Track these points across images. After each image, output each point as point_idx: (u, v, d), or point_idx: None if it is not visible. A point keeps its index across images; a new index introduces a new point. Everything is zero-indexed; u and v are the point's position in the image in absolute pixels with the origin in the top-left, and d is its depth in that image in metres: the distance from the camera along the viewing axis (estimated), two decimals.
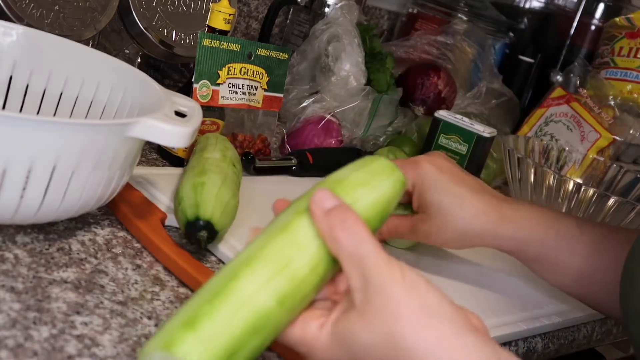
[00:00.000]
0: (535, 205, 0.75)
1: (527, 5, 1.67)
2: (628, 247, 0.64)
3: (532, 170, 1.05)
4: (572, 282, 0.73)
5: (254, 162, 0.89)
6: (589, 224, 0.73)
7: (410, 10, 1.56)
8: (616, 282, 0.64)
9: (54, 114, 0.73)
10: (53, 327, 0.51)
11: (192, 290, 0.62)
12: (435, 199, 0.71)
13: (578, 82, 1.36)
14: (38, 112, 0.73)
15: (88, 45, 0.90)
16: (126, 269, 0.62)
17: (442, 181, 0.71)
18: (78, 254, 0.61)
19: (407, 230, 0.74)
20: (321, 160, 0.97)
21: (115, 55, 0.75)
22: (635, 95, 1.38)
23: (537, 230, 0.71)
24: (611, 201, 1.01)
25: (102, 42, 0.99)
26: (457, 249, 0.81)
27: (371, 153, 1.07)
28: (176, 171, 0.84)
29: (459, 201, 0.71)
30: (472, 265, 0.85)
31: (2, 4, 0.83)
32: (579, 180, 1.11)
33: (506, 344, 0.73)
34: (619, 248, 0.70)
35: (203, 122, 0.86)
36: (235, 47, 0.87)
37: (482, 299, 0.77)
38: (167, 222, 0.71)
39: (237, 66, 0.88)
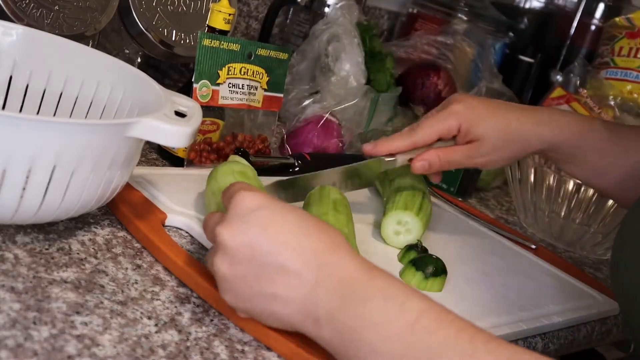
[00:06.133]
0: (563, 110, 0.88)
1: (527, 5, 1.67)
2: None
3: (532, 170, 1.05)
4: (595, 177, 0.86)
5: (247, 157, 0.88)
6: (614, 126, 0.86)
7: (410, 10, 1.56)
8: (632, 178, 0.83)
9: (54, 114, 0.73)
10: (53, 327, 0.51)
11: (192, 290, 0.62)
12: (485, 128, 0.82)
13: (578, 82, 1.36)
14: (38, 112, 0.73)
15: (88, 45, 0.90)
16: (126, 269, 0.62)
17: (481, 114, 0.82)
18: (78, 254, 0.61)
19: (461, 157, 0.83)
20: (320, 162, 0.97)
21: (115, 55, 0.75)
22: (635, 95, 1.38)
23: (572, 132, 0.83)
24: (611, 201, 1.01)
25: (102, 42, 0.99)
26: (509, 164, 0.94)
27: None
28: (176, 171, 0.84)
29: (505, 122, 0.82)
30: (472, 266, 0.85)
31: (2, 4, 0.83)
32: (579, 180, 1.11)
33: None
34: (637, 151, 0.83)
35: (203, 122, 0.86)
36: (235, 47, 0.87)
37: (483, 299, 0.77)
38: (167, 222, 0.71)
39: (237, 66, 0.88)
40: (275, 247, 0.53)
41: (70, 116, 0.73)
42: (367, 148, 0.82)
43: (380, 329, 0.50)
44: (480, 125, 0.81)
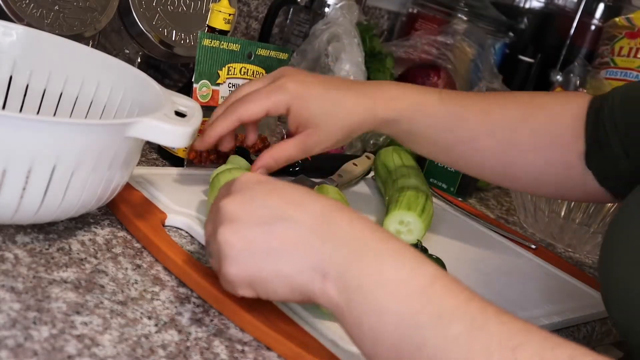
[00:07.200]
0: (399, 84, 0.81)
1: (527, 5, 1.67)
2: (485, 116, 0.79)
3: None
4: (438, 151, 0.83)
5: (247, 157, 0.88)
6: (450, 99, 0.80)
7: (410, 10, 1.56)
8: (474, 150, 0.80)
9: (54, 114, 0.73)
10: (53, 327, 0.51)
11: (192, 290, 0.62)
12: (315, 111, 0.76)
13: (578, 82, 1.36)
14: (38, 112, 0.73)
15: (88, 45, 0.90)
16: (126, 269, 0.62)
17: (314, 94, 0.76)
18: (78, 254, 0.61)
19: (296, 151, 0.77)
20: (320, 162, 0.97)
21: (115, 55, 0.75)
22: None
23: (405, 107, 0.79)
24: None
25: (102, 42, 0.99)
26: (344, 144, 0.86)
27: (374, 153, 1.07)
28: (176, 171, 0.84)
29: (337, 104, 0.76)
30: (472, 266, 0.85)
31: (2, 4, 0.83)
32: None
33: None
34: (475, 122, 0.80)
35: (203, 122, 0.86)
36: (235, 47, 0.87)
37: None
38: (167, 222, 0.71)
39: (237, 66, 0.88)
40: (283, 205, 0.53)
41: (70, 116, 0.73)
42: (196, 145, 0.77)
43: (393, 288, 0.48)
44: (311, 106, 0.75)
